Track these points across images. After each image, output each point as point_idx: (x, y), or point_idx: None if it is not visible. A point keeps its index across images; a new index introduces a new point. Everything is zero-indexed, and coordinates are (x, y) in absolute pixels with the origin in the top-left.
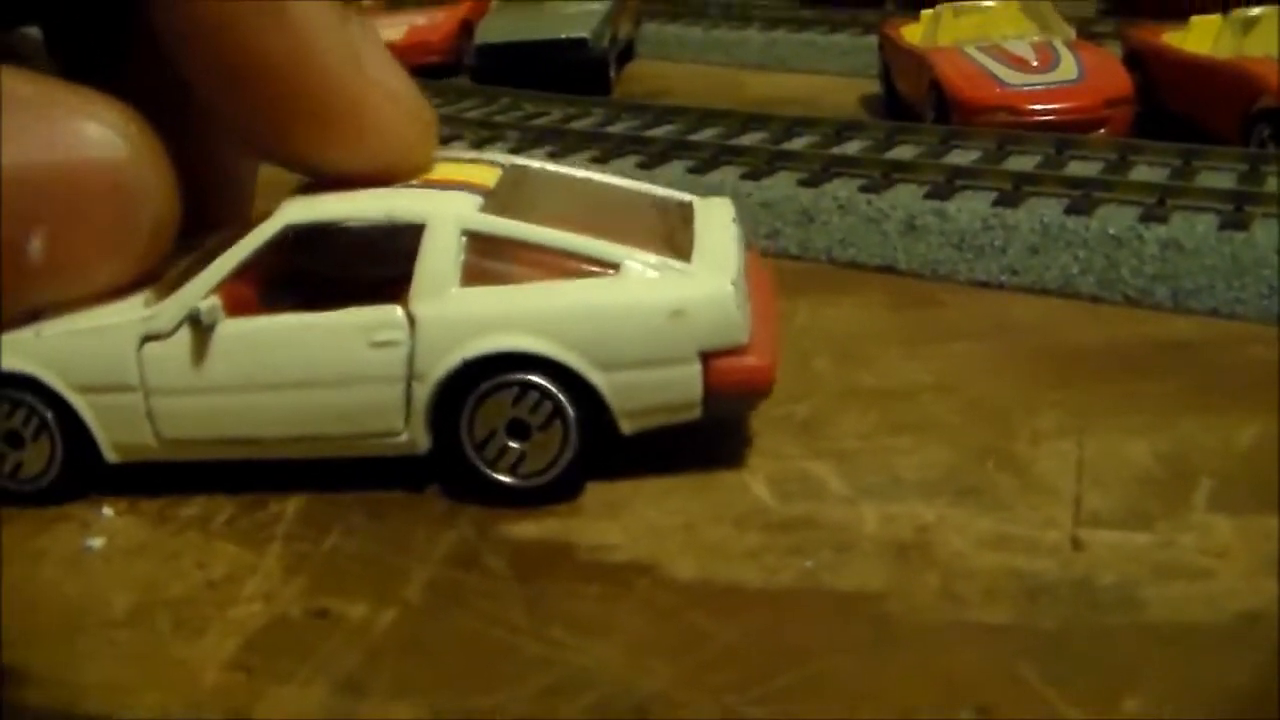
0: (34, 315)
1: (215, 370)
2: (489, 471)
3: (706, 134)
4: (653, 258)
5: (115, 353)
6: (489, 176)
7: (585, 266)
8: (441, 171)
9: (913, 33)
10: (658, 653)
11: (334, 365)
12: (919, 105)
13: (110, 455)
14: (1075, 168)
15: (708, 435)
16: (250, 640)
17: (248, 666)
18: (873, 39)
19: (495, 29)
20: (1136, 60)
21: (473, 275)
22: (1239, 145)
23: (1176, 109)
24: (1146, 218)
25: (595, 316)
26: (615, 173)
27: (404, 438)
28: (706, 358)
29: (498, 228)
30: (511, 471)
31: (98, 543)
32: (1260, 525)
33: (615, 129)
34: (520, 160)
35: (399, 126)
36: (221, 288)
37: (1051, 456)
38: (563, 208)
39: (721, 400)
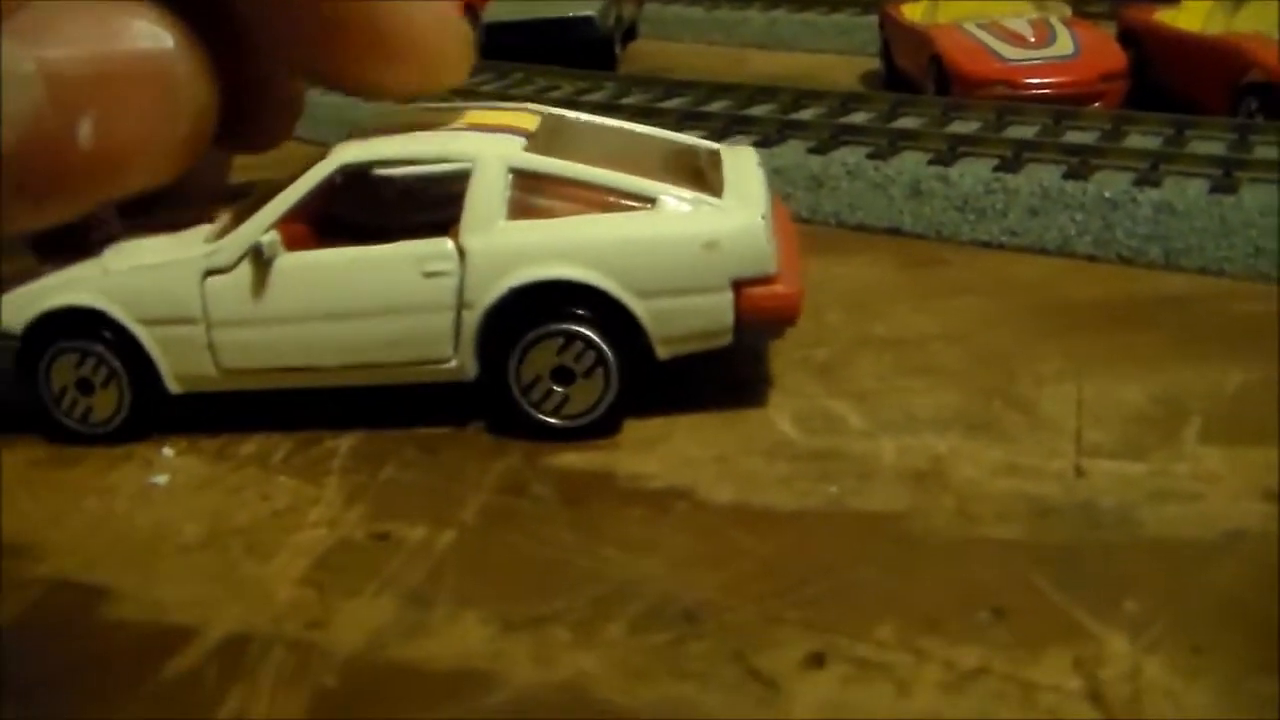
0: (102, 242)
1: (274, 302)
2: (535, 413)
3: (717, 106)
4: (687, 193)
5: (179, 287)
6: (530, 122)
7: (624, 201)
8: (486, 116)
9: (914, 10)
10: (700, 566)
11: (388, 295)
12: (920, 80)
13: (173, 386)
14: (1072, 136)
15: (734, 375)
16: (318, 560)
17: (318, 583)
18: (871, 19)
19: (502, 8)
20: (1130, 38)
21: (519, 210)
22: (1229, 117)
23: (1169, 84)
24: (1141, 182)
25: (634, 247)
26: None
27: (454, 364)
28: (738, 286)
29: (542, 165)
30: (556, 413)
31: (162, 479)
32: (1247, 456)
33: (628, 101)
34: (557, 110)
35: (444, 43)
36: (280, 224)
37: (1053, 398)
38: (601, 150)
39: (752, 326)
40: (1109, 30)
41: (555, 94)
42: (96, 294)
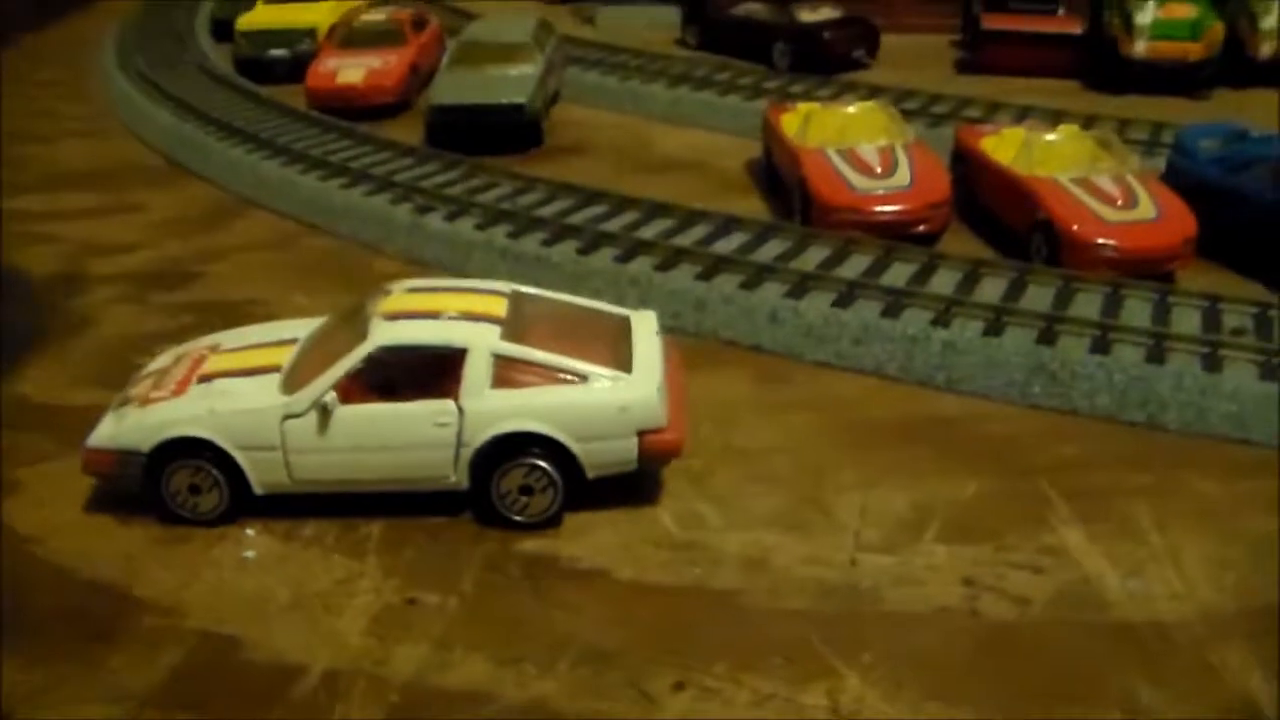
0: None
1: (333, 438)
2: (508, 513)
3: (627, 218)
4: (607, 371)
5: (265, 427)
6: (501, 307)
7: (567, 376)
8: (472, 304)
9: (790, 122)
10: (612, 624)
11: (410, 437)
12: (790, 195)
13: (257, 490)
14: (888, 278)
15: (639, 482)
16: (374, 618)
17: (378, 634)
18: (758, 105)
19: (445, 90)
20: (960, 157)
21: (499, 381)
22: (1028, 243)
23: (986, 205)
24: (935, 322)
25: (573, 410)
26: (560, 255)
27: (453, 479)
28: (641, 434)
29: (513, 351)
30: (521, 513)
31: (252, 554)
32: (962, 551)
33: (554, 208)
34: (517, 288)
35: None
36: (337, 385)
37: (846, 504)
38: (549, 330)
39: (649, 459)
40: (941, 160)
41: (492, 194)
42: (206, 429)
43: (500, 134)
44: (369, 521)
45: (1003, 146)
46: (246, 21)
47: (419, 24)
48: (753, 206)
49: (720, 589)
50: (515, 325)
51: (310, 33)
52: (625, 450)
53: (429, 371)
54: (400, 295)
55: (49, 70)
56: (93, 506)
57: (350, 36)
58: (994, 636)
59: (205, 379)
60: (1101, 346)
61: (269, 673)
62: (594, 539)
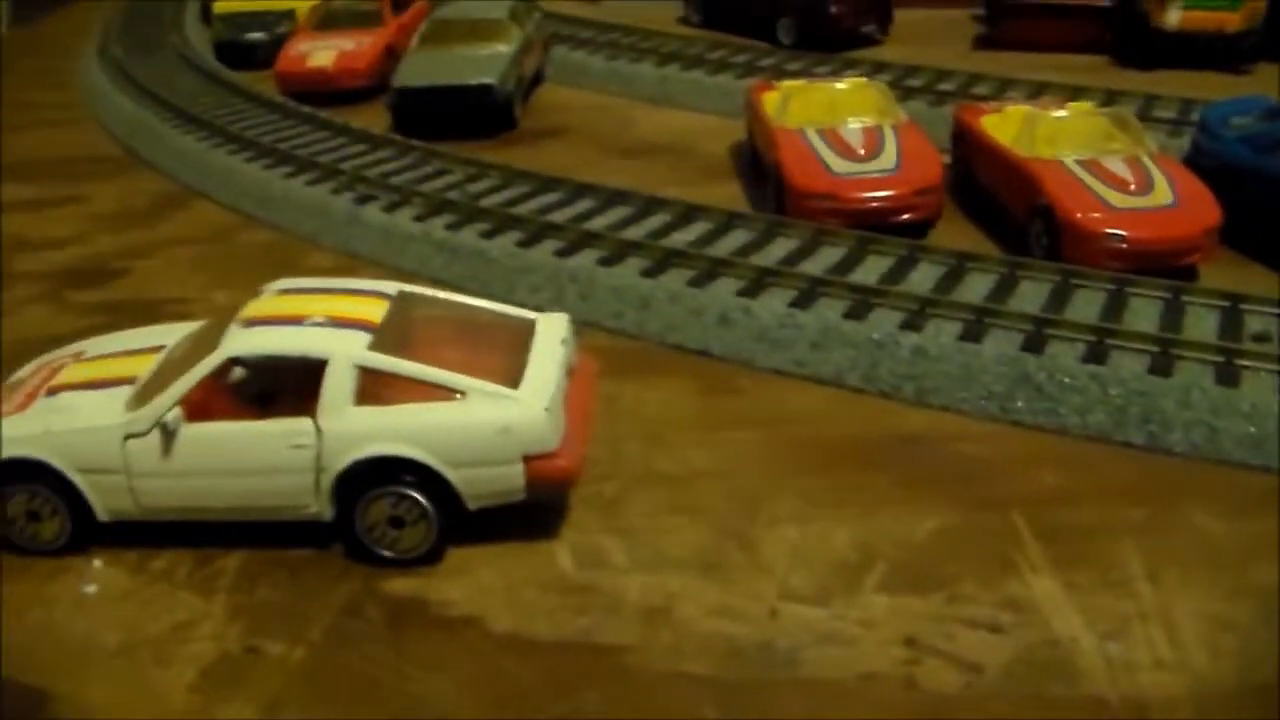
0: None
1: (177, 460)
2: (375, 548)
3: (580, 207)
4: (489, 386)
5: (105, 446)
6: (378, 310)
7: (442, 392)
8: (342, 307)
9: (771, 101)
10: (475, 686)
11: (263, 460)
12: (767, 177)
13: (102, 516)
14: (859, 275)
15: (540, 509)
16: (204, 671)
17: (203, 690)
18: (751, 84)
19: (411, 72)
20: (960, 136)
21: (362, 397)
22: (1027, 229)
23: (984, 186)
24: (905, 325)
25: (447, 431)
26: (499, 250)
27: (313, 509)
28: (527, 459)
29: (379, 363)
30: (391, 548)
31: (92, 589)
32: (907, 604)
33: (504, 194)
34: (406, 288)
35: None
36: (183, 400)
37: (776, 540)
38: (433, 337)
39: (538, 488)
40: (935, 142)
41: (441, 182)
42: (42, 449)
43: (469, 118)
44: (228, 553)
45: (1005, 125)
46: (224, 4)
47: (400, 4)
48: (729, 193)
49: (608, 644)
50: (391, 332)
51: (289, 15)
52: (509, 478)
53: (293, 386)
54: (269, 297)
55: (38, 59)
56: None
57: (327, 18)
58: (930, 714)
59: (52, 392)
60: (1097, 355)
61: None
62: (474, 579)
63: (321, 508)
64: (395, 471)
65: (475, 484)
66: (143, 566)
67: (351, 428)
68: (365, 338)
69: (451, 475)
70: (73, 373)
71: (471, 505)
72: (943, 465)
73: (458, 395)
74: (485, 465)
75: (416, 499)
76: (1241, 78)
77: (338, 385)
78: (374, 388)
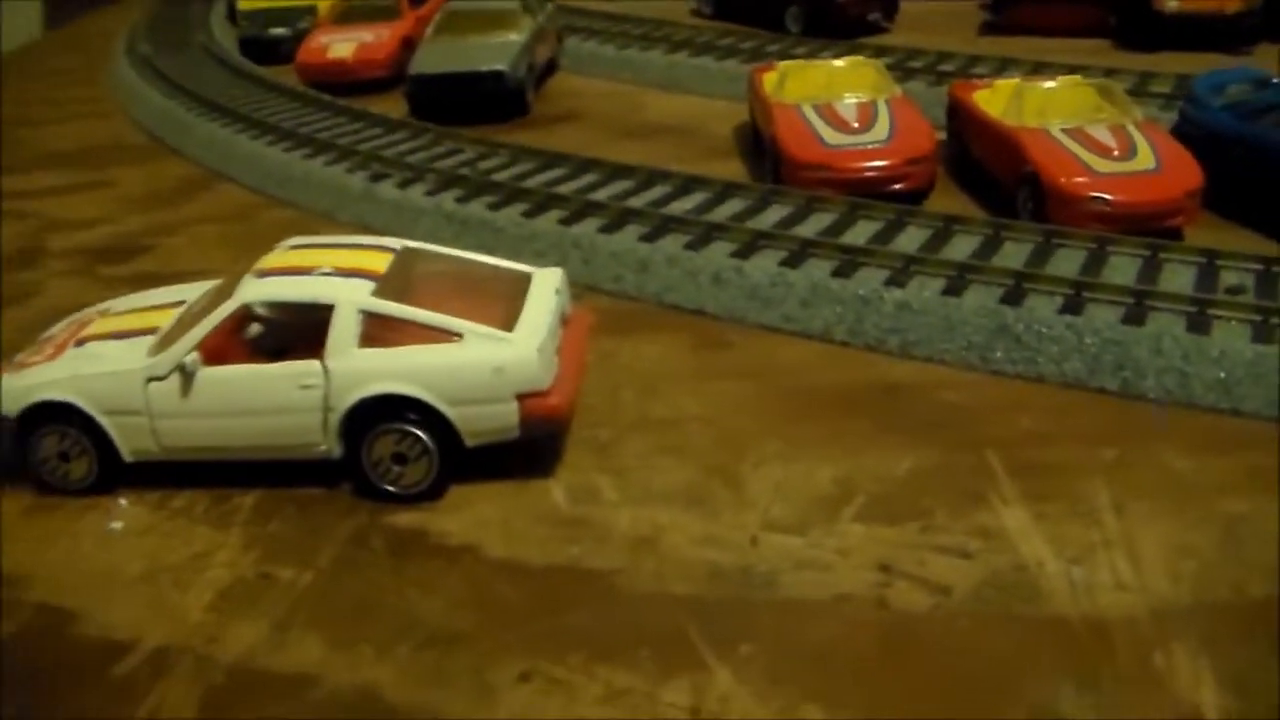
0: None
1: (196, 402)
2: (380, 484)
3: (583, 181)
4: (484, 329)
5: (129, 389)
6: (382, 262)
7: (441, 334)
8: (349, 258)
9: (770, 79)
10: (467, 606)
11: (275, 401)
12: (766, 154)
13: (127, 457)
14: (849, 236)
15: (537, 450)
16: (220, 593)
17: (219, 609)
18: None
19: (425, 60)
20: (954, 111)
21: (367, 339)
22: (1016, 198)
23: (978, 159)
24: (890, 281)
25: (446, 370)
26: (506, 219)
27: (323, 447)
28: (521, 397)
29: (382, 308)
30: (395, 483)
31: (118, 525)
32: (882, 533)
33: (510, 174)
34: (410, 244)
35: None
36: (200, 345)
37: (762, 478)
38: (434, 287)
39: (531, 426)
40: (928, 116)
41: (451, 161)
42: (71, 391)
43: (482, 104)
44: (244, 492)
45: (995, 99)
46: (249, 2)
47: None
48: (731, 169)
49: (597, 569)
50: (394, 282)
51: (311, 10)
52: (505, 415)
53: (304, 332)
54: (281, 252)
55: (71, 58)
56: None
57: (347, 11)
58: (899, 630)
59: (81, 343)
60: (1073, 306)
61: (97, 648)
62: (472, 513)
63: (330, 445)
64: (398, 410)
65: (472, 421)
66: (164, 504)
67: (356, 368)
68: (369, 285)
69: (450, 412)
70: (100, 325)
71: (470, 442)
72: (924, 411)
73: (455, 338)
74: (481, 403)
75: (418, 436)
76: (1242, 58)
77: (343, 329)
78: (377, 331)
